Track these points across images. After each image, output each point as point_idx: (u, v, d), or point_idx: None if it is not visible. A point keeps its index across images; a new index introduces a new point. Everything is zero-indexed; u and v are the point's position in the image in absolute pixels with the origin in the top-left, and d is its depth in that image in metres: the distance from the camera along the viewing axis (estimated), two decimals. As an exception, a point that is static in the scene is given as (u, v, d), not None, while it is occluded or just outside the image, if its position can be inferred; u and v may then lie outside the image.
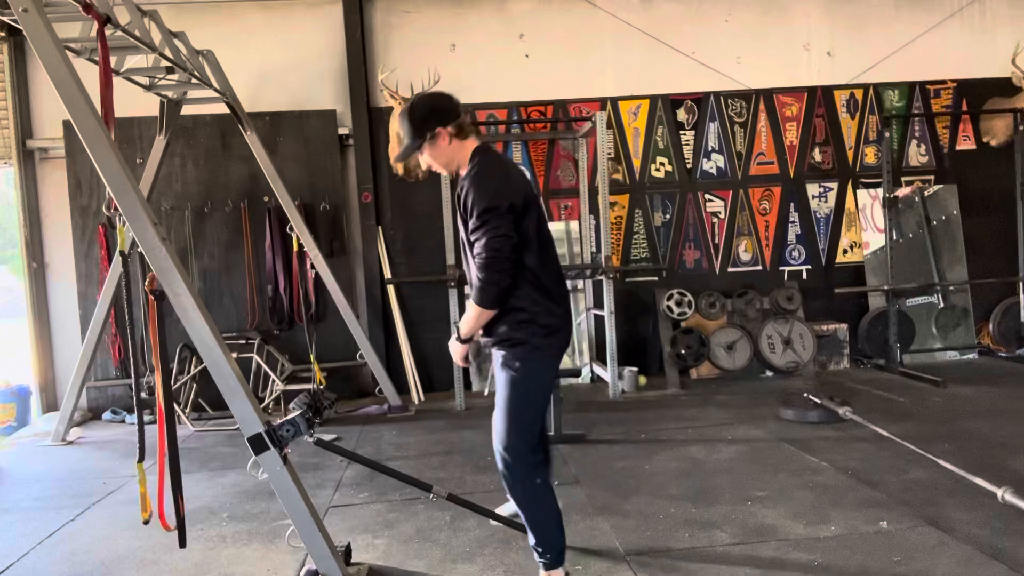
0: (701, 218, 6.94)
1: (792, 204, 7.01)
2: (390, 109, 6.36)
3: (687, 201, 6.92)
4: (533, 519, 2.72)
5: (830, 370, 6.74)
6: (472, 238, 2.57)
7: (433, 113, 2.61)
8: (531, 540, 2.76)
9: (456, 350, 2.77)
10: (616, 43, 6.81)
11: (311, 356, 5.96)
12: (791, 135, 6.99)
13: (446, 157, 2.67)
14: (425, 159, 2.70)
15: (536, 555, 2.77)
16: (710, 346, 6.41)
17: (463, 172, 2.67)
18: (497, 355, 2.71)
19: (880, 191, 6.69)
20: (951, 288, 6.91)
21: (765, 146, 6.98)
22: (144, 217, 2.80)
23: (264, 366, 6.08)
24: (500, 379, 2.70)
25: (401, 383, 6.39)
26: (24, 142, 6.41)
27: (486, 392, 6.37)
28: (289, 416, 2.83)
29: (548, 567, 2.75)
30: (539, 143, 6.75)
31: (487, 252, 2.49)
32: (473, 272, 2.58)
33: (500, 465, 2.69)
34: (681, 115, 6.91)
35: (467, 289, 2.85)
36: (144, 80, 5.21)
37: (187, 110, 5.87)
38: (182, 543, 2.86)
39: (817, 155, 7.02)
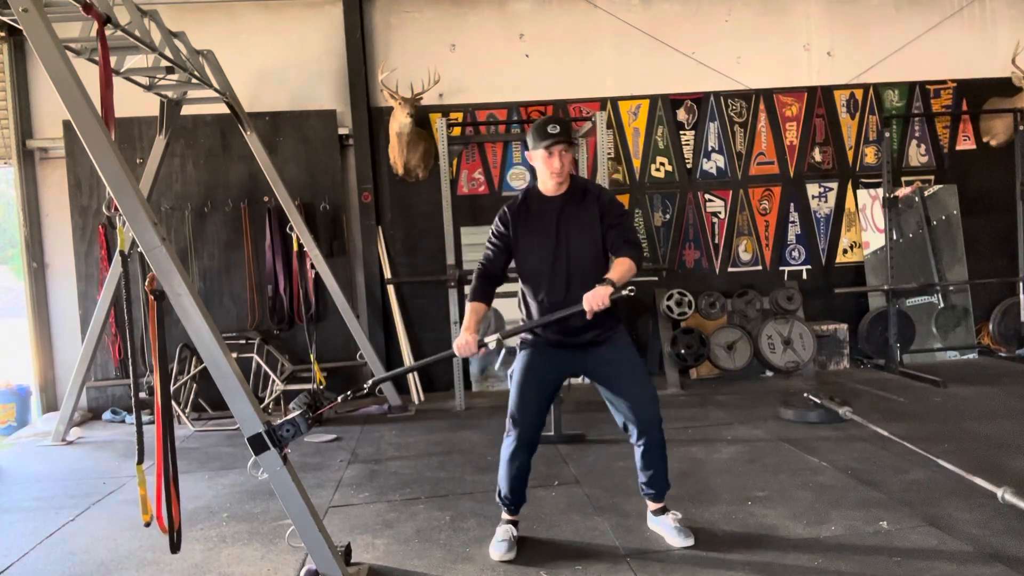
0: (701, 218, 6.93)
1: (792, 204, 7.01)
2: (390, 109, 6.35)
3: (687, 201, 6.92)
4: (665, 467, 3.30)
5: (830, 370, 6.74)
6: (618, 221, 3.15)
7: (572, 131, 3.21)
8: (658, 487, 3.30)
9: (605, 296, 2.94)
10: (616, 43, 6.81)
11: (311, 356, 5.96)
12: (791, 135, 6.99)
13: (570, 167, 3.17)
14: (568, 158, 3.13)
15: (661, 496, 3.33)
16: (710, 346, 6.41)
17: (565, 184, 3.16)
18: (609, 340, 3.18)
19: (880, 191, 6.69)
20: (951, 288, 6.91)
21: (765, 146, 6.98)
22: (144, 217, 2.80)
23: (264, 366, 6.08)
24: (626, 356, 3.22)
25: (401, 383, 6.38)
26: (24, 142, 6.40)
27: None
28: (289, 416, 2.83)
29: (661, 500, 3.35)
30: (539, 143, 6.73)
31: (636, 236, 3.20)
32: (623, 242, 3.12)
33: (657, 427, 3.19)
34: (681, 115, 6.91)
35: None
36: (144, 80, 5.21)
37: (187, 110, 5.87)
38: (174, 548, 2.85)
39: (817, 155, 7.02)
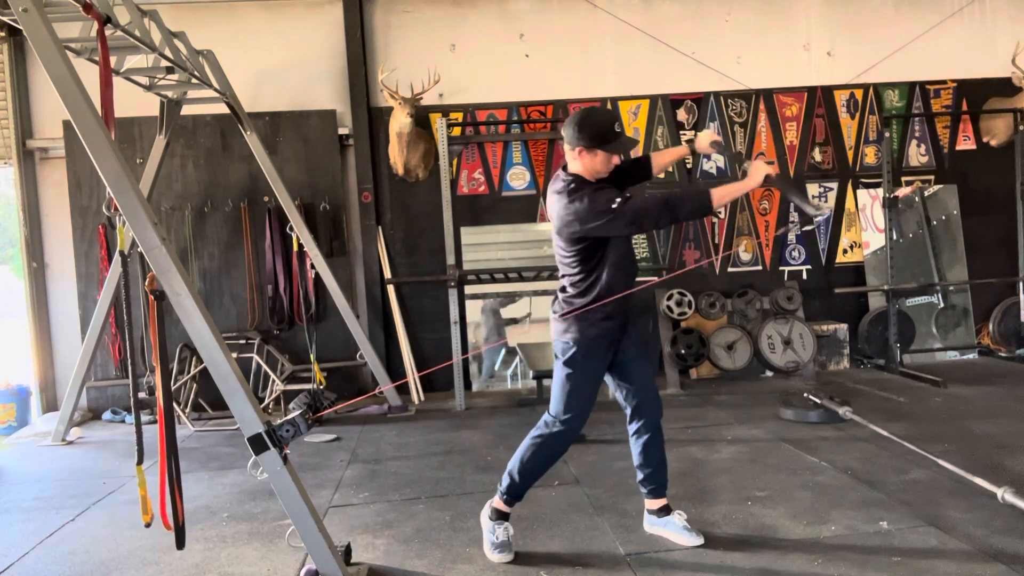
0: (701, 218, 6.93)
1: (792, 204, 6.99)
2: (390, 109, 6.35)
3: (687, 201, 6.90)
4: (665, 457, 3.29)
5: (830, 370, 6.74)
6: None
7: None
8: (660, 479, 3.29)
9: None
10: (616, 43, 6.80)
11: (311, 356, 5.96)
12: (791, 135, 6.99)
13: None
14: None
15: (663, 490, 3.31)
16: (710, 346, 6.41)
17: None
18: (632, 328, 3.18)
19: (880, 191, 6.69)
20: (951, 288, 6.91)
21: (765, 146, 6.98)
22: (144, 217, 2.80)
23: (264, 366, 6.08)
24: (645, 341, 3.29)
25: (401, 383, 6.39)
26: (24, 142, 6.40)
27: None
28: (289, 416, 2.83)
29: (663, 495, 3.33)
30: (539, 143, 6.74)
31: None
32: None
33: (661, 412, 3.23)
34: (681, 115, 6.91)
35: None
36: (144, 80, 5.20)
37: (187, 110, 5.86)
38: (179, 545, 2.86)
39: (817, 155, 7.02)
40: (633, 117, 6.85)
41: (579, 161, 3.03)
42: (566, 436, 3.18)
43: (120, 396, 6.35)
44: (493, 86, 6.70)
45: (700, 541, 3.17)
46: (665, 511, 3.29)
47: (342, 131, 6.60)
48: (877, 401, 5.53)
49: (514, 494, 3.24)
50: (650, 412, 3.19)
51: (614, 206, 2.88)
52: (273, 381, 6.01)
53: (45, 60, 2.87)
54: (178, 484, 2.80)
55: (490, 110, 6.72)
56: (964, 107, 7.07)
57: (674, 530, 3.23)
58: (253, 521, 3.75)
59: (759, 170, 2.92)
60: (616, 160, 3.06)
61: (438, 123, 6.09)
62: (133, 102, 5.51)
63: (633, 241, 6.63)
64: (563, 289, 3.17)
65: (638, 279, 3.25)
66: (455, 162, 6.68)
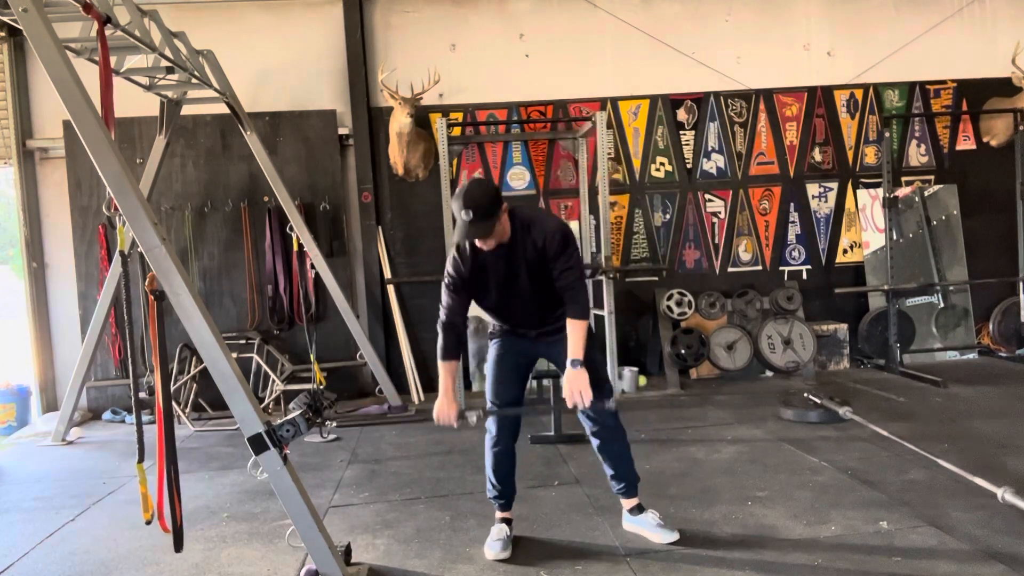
0: (701, 218, 6.93)
1: (792, 204, 7.00)
2: (390, 109, 6.36)
3: (687, 201, 6.92)
4: (629, 455, 3.33)
5: (830, 370, 6.74)
6: (564, 267, 3.00)
7: (498, 195, 2.97)
8: (628, 478, 3.32)
9: (584, 379, 2.93)
10: (616, 43, 6.81)
11: (311, 356, 5.96)
12: (791, 135, 6.99)
13: (503, 227, 3.00)
14: (496, 233, 2.96)
15: (632, 489, 3.33)
16: (710, 346, 6.41)
17: (507, 233, 3.01)
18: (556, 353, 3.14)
19: (880, 191, 6.69)
20: (951, 288, 6.91)
21: (765, 146, 6.98)
22: (144, 217, 2.80)
23: (264, 366, 6.08)
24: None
25: (401, 383, 6.38)
26: (24, 142, 6.40)
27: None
28: (289, 416, 2.83)
29: (635, 494, 3.35)
30: (539, 143, 6.74)
31: (582, 278, 3.06)
32: (568, 300, 3.03)
33: (608, 417, 3.19)
34: (681, 115, 6.91)
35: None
36: (144, 80, 5.20)
37: (187, 110, 5.86)
38: (178, 547, 2.86)
39: (817, 155, 7.02)
40: (633, 117, 6.85)
41: None
42: (491, 423, 3.28)
43: (120, 396, 6.35)
44: (493, 86, 6.70)
45: (674, 537, 3.20)
46: (638, 509, 3.33)
47: (342, 131, 6.60)
48: (877, 401, 5.52)
49: (492, 496, 3.34)
50: (588, 419, 3.23)
51: (445, 285, 3.20)
52: (273, 381, 6.01)
53: (45, 60, 2.87)
54: (177, 488, 2.80)
55: (490, 110, 6.72)
56: (964, 107, 7.07)
57: (648, 528, 3.27)
58: (253, 521, 3.75)
59: (441, 412, 3.15)
60: (479, 244, 3.00)
61: (438, 123, 6.09)
62: (133, 102, 5.52)
63: (632, 240, 6.54)
64: None
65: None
66: (455, 162, 6.68)
